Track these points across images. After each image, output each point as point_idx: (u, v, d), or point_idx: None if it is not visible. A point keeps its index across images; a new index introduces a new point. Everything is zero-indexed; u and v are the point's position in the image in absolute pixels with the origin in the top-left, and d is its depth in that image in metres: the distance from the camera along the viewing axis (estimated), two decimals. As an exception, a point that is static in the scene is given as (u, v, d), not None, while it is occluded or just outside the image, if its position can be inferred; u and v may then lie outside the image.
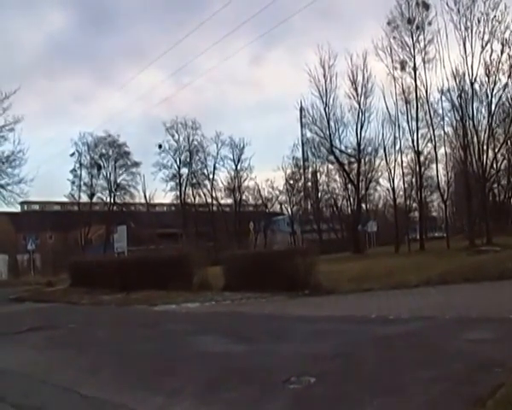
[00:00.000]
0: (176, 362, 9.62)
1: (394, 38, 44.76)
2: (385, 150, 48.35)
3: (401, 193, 52.10)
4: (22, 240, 60.62)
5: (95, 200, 69.23)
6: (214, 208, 68.83)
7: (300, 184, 66.76)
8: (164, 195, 72.89)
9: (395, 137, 47.40)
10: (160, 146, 67.52)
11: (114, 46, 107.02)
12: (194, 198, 69.14)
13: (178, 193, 68.70)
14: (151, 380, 8.52)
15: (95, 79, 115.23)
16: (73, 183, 68.34)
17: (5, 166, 28.61)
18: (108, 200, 69.19)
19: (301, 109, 53.64)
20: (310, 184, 67.31)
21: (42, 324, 17.45)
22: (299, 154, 64.71)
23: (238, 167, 67.57)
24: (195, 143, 67.84)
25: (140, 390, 7.91)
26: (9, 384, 9.15)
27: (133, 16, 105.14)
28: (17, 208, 53.69)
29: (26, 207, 70.74)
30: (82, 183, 68.43)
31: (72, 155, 67.34)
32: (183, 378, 8.28)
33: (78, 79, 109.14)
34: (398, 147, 47.66)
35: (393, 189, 49.93)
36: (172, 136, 67.39)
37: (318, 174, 64.55)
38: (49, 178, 78.33)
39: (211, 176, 68.39)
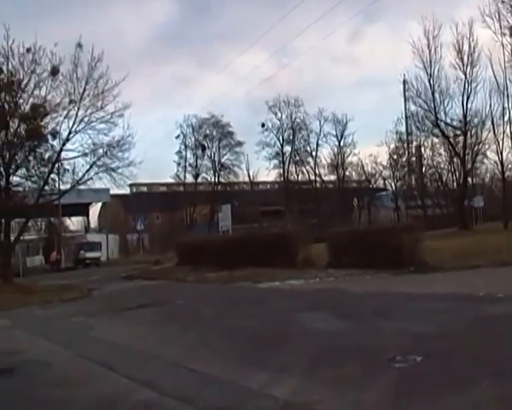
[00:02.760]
0: (281, 338, 9.67)
1: (503, 2, 42.59)
2: (493, 122, 46.50)
3: (510, 166, 50.04)
4: (132, 221, 62.98)
5: (199, 180, 70.92)
6: (317, 185, 68.79)
7: (404, 158, 65.35)
8: (267, 173, 73.60)
9: (503, 108, 45.50)
10: (263, 125, 68.25)
11: (215, 30, 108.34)
12: (298, 175, 69.62)
13: (282, 171, 69.37)
14: (257, 356, 8.65)
15: (197, 62, 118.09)
16: (179, 164, 70.42)
17: (116, 150, 30.07)
18: (213, 180, 70.56)
19: (404, 82, 52.26)
20: (414, 158, 65.76)
21: (151, 300, 18.13)
22: (402, 128, 63.17)
23: (341, 143, 67.45)
24: (298, 120, 68.25)
25: (246, 366, 8.04)
26: (121, 357, 9.58)
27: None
28: (126, 190, 55.70)
29: (134, 190, 73.18)
30: (187, 164, 70.40)
31: (178, 137, 69.26)
32: (289, 355, 8.32)
33: (181, 63, 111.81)
34: (506, 118, 45.77)
35: (502, 162, 47.84)
36: (275, 114, 68.10)
37: (423, 148, 62.96)
38: (156, 160, 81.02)
39: (314, 153, 68.60)
